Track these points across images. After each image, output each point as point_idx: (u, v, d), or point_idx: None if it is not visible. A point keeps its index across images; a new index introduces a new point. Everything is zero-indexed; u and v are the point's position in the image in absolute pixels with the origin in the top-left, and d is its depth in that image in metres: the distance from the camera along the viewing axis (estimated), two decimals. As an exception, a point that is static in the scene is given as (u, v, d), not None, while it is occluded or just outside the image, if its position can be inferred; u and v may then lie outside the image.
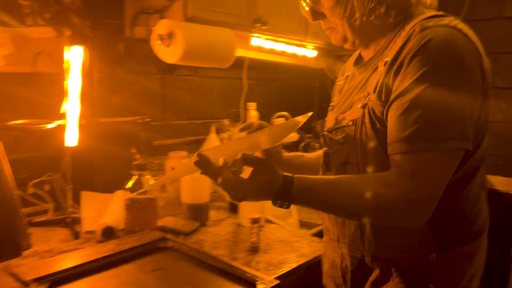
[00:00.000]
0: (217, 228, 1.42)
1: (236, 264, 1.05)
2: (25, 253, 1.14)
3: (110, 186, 1.49)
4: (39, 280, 0.93)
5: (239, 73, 2.12)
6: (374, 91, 0.88)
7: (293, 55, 2.10)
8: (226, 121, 2.05)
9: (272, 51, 1.97)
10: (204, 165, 0.85)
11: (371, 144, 0.88)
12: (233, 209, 1.56)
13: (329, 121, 1.04)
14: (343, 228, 0.99)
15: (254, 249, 1.23)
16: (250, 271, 1.01)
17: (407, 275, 0.90)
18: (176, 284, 1.00)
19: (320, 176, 0.93)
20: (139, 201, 1.28)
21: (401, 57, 0.83)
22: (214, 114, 2.09)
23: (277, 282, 0.98)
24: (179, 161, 1.61)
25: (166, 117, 1.88)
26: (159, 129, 1.82)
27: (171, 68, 1.82)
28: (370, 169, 0.89)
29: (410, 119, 0.80)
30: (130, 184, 1.28)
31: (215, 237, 1.33)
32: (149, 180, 1.29)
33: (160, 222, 1.37)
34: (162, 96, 1.85)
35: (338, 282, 1.03)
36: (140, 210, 1.29)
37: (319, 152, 1.12)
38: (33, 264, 1.03)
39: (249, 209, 1.39)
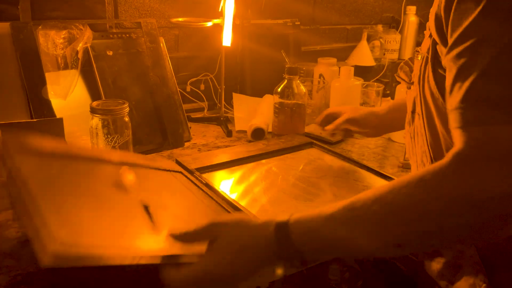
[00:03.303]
0: (366, 140, 1.35)
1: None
2: (186, 144, 1.25)
3: (259, 89, 1.51)
4: (200, 169, 1.01)
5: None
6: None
7: None
8: (379, 27, 1.87)
9: None
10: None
11: (433, 94, 0.65)
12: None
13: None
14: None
15: (406, 166, 1.15)
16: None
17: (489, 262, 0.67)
18: (327, 172, 1.04)
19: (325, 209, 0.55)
20: (288, 106, 1.27)
21: None
22: (367, 19, 1.91)
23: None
24: (327, 68, 1.54)
25: (316, 20, 1.77)
26: (308, 33, 1.74)
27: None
28: (435, 129, 0.67)
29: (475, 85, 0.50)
30: (280, 88, 1.26)
31: (363, 149, 1.27)
32: (300, 85, 1.26)
33: (307, 129, 1.36)
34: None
35: None
36: (289, 115, 1.28)
37: None
38: (194, 155, 1.12)
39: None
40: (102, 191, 0.64)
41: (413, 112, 0.73)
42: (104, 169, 0.72)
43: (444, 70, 0.59)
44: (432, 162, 0.70)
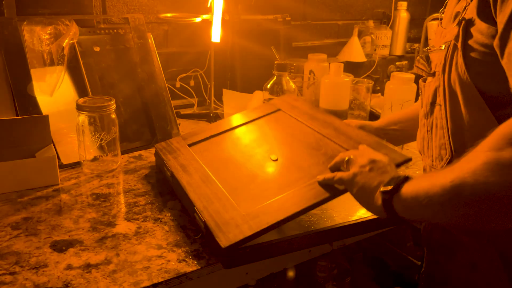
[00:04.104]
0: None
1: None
2: (175, 141, 1.23)
3: (249, 85, 1.50)
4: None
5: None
6: None
7: None
8: (370, 23, 1.87)
9: None
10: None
11: (462, 81, 0.64)
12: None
13: (436, 35, 0.78)
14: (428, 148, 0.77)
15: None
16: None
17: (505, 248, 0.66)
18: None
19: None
20: (277, 102, 1.27)
21: None
22: (358, 15, 1.91)
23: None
24: (318, 64, 1.53)
25: (307, 16, 1.77)
26: (298, 29, 1.73)
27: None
28: (460, 120, 0.65)
29: None
30: (269, 84, 1.26)
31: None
32: (289, 82, 1.25)
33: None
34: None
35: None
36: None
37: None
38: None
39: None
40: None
41: (433, 103, 0.72)
42: None
43: (480, 53, 0.60)
44: (452, 155, 0.68)
